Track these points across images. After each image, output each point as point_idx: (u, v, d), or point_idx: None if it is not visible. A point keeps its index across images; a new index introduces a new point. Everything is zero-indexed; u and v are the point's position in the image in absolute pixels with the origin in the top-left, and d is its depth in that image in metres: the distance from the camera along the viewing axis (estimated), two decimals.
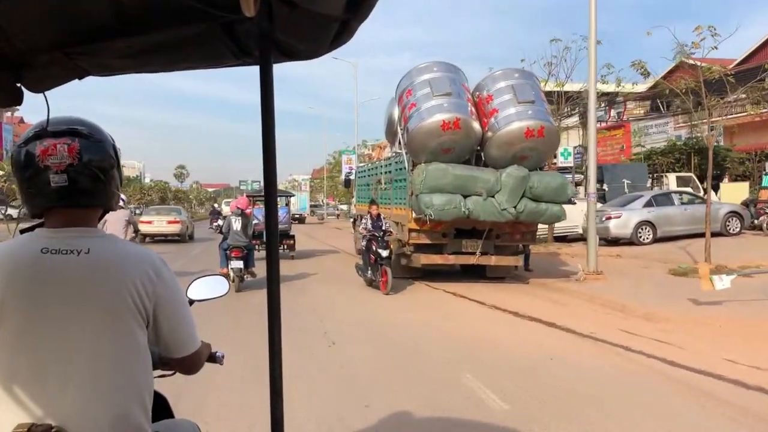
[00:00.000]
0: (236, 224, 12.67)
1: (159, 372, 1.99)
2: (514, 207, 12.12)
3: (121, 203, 15.14)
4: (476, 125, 12.10)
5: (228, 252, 12.51)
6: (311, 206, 70.92)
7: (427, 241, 13.12)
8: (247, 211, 13.36)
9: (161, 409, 2.04)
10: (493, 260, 13.20)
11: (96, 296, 1.62)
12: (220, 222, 16.38)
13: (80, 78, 1.95)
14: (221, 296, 2.50)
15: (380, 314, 10.28)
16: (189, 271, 13.03)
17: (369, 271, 12.69)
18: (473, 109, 12.31)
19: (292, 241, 18.34)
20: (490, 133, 12.22)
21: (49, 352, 1.59)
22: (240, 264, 12.25)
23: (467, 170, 12.18)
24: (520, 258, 13.49)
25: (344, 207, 66.70)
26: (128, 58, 1.86)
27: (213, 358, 2.12)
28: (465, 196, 12.10)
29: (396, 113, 13.74)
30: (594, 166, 14.05)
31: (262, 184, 1.80)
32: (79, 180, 1.66)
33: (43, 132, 1.67)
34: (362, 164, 22.70)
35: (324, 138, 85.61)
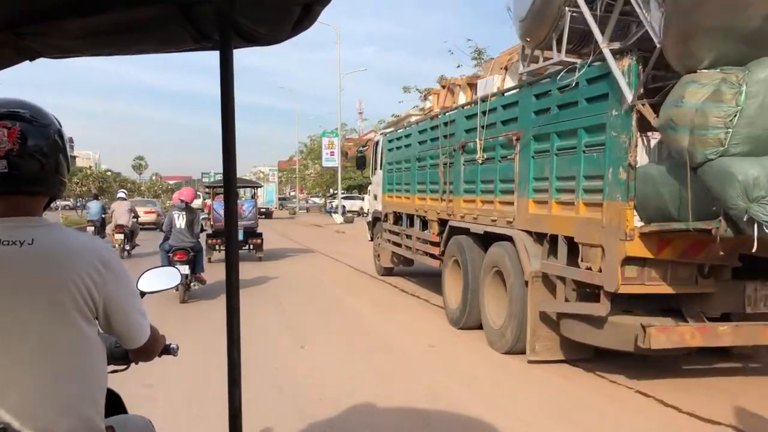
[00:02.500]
0: (179, 220, 9.62)
1: (112, 367, 1.90)
2: None
3: (123, 195, 16.81)
4: None
5: (170, 255, 9.39)
6: (279, 199, 62.30)
7: (666, 288, 4.84)
8: (206, 203, 12.46)
9: (114, 405, 1.96)
10: None
11: (40, 289, 1.50)
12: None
13: (31, 59, 1.85)
14: (172, 287, 2.46)
15: None
16: None
17: None
18: None
19: (259, 240, 14.83)
20: None
21: None
22: (185, 269, 9.08)
23: None
24: None
25: (317, 200, 58.15)
26: (82, 40, 1.72)
27: (167, 350, 2.00)
28: None
29: None
30: None
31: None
32: (20, 166, 1.53)
33: None
34: (394, 128, 13.86)
35: (296, 116, 74.42)
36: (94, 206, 17.63)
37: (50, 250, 1.54)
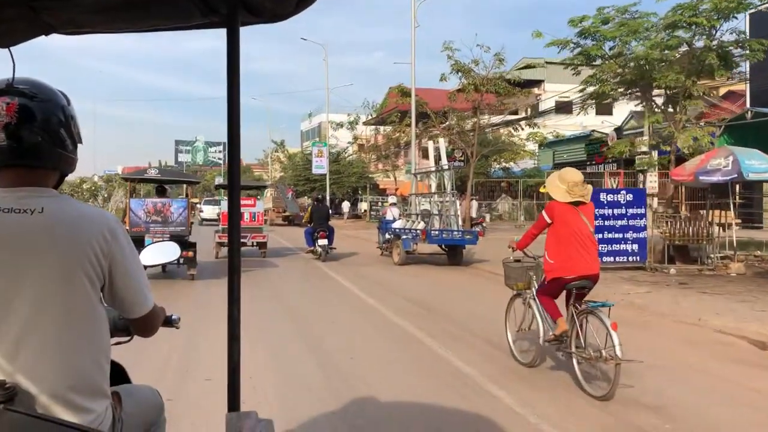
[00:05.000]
0: None
1: (116, 339, 1.91)
2: None
3: None
4: None
5: None
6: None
7: None
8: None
9: (119, 376, 1.93)
10: None
11: (50, 256, 1.53)
12: None
13: (46, 34, 1.86)
14: (173, 261, 2.77)
15: None
16: None
17: None
18: None
19: (191, 253, 11.08)
20: None
21: (1, 311, 1.52)
22: None
23: None
24: None
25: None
26: (96, 14, 1.75)
27: (169, 322, 1.99)
28: None
29: None
30: None
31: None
32: (19, 139, 1.54)
33: None
34: None
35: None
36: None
37: (60, 218, 1.55)
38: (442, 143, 16.71)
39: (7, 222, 1.52)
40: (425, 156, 20.13)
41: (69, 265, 1.52)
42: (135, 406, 1.82)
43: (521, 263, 5.84)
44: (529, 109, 29.40)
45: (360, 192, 42.67)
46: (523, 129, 21.55)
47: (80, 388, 1.54)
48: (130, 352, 2.16)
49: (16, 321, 1.50)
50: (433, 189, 15.67)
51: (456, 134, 20.68)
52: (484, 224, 20.96)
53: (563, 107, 30.91)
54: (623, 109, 32.27)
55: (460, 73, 18.38)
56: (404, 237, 14.47)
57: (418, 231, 14.28)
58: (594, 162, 29.68)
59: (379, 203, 38.92)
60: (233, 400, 1.75)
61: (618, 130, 28.87)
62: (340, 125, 38.12)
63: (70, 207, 1.60)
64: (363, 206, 41.07)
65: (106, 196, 50.76)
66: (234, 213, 1.78)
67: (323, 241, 14.93)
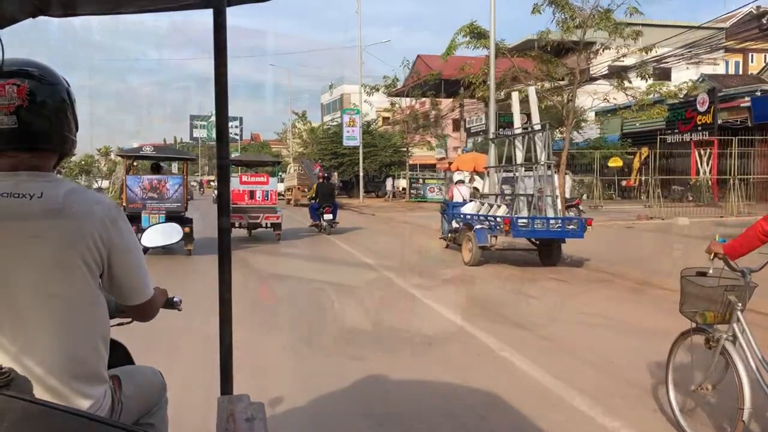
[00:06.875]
0: None
1: (117, 320, 1.87)
2: None
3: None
4: None
5: None
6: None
7: None
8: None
9: (121, 356, 1.92)
10: None
11: (48, 242, 1.49)
12: None
13: (34, 17, 1.83)
14: (175, 243, 2.43)
15: None
16: None
17: None
18: None
19: (187, 229, 10.71)
20: None
21: (0, 296, 1.48)
22: None
23: None
24: None
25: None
26: None
27: (171, 304, 1.94)
28: None
29: None
30: None
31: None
32: (29, 122, 1.51)
33: None
34: None
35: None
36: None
37: (59, 204, 1.51)
38: (533, 93, 12.00)
39: (6, 206, 1.48)
40: (455, 128, 15.63)
41: (67, 251, 1.49)
42: (135, 389, 1.79)
43: (717, 278, 3.34)
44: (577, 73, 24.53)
45: (387, 169, 38.25)
46: (630, 82, 16.62)
47: (78, 374, 1.51)
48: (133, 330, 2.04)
49: (14, 306, 1.47)
50: (519, 159, 11.08)
51: (548, 90, 15.76)
52: (581, 207, 16.16)
53: (617, 72, 26.42)
54: (680, 75, 27.65)
55: (554, 6, 13.72)
56: (478, 227, 10.19)
57: (499, 219, 9.93)
58: (678, 130, 25.11)
59: (420, 181, 34.74)
60: (225, 383, 1.80)
61: (711, 91, 24.38)
62: (376, 89, 33.26)
63: (70, 192, 1.54)
64: (401, 184, 36.80)
65: (106, 171, 51.08)
66: (224, 192, 1.84)
67: (328, 216, 15.73)
